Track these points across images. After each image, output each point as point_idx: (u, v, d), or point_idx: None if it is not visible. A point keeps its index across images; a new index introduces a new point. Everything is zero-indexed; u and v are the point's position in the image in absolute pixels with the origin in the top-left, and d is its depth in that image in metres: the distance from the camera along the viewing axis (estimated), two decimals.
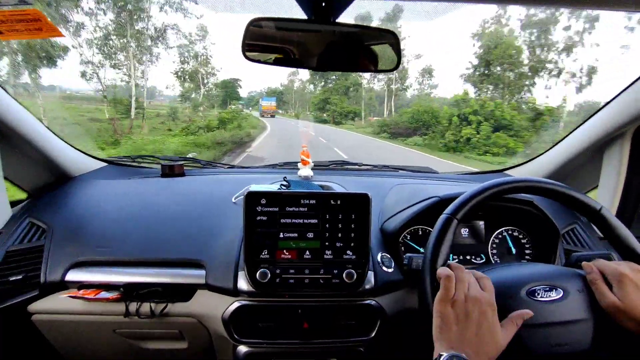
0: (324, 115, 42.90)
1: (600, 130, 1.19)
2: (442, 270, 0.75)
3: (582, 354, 0.72)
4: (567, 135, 1.35)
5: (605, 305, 0.71)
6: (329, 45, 0.81)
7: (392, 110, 33.33)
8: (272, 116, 44.03)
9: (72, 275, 1.01)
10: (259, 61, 0.81)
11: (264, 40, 0.81)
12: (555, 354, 0.71)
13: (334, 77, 44.52)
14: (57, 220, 1.12)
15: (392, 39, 0.83)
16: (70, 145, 1.38)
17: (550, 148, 1.44)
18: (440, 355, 0.63)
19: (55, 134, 1.29)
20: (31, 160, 1.22)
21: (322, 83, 46.12)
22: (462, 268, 0.75)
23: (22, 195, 1.30)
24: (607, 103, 1.16)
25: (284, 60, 0.83)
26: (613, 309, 0.69)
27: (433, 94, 33.41)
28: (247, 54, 0.81)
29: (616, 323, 0.70)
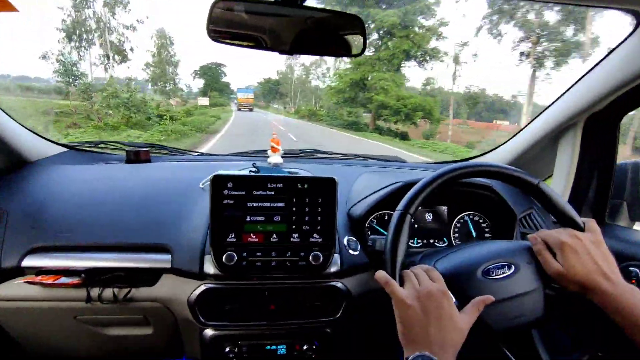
0: (347, 114, 23.78)
1: (555, 120, 1.25)
2: (378, 276, 0.78)
3: (537, 321, 0.78)
4: (525, 126, 1.41)
5: (550, 273, 0.77)
6: (295, 28, 0.82)
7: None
8: (250, 110, 39.85)
9: (30, 261, 0.97)
10: (224, 42, 0.81)
11: (229, 21, 0.80)
12: (513, 326, 0.76)
13: (375, 36, 22.86)
14: (13, 205, 1.07)
15: (357, 23, 0.84)
16: (28, 129, 1.32)
17: (510, 139, 1.50)
18: (407, 358, 0.66)
19: (10, 117, 1.23)
20: None
21: None
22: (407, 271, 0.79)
23: None
24: (563, 94, 1.23)
25: (250, 42, 0.83)
26: (557, 275, 0.75)
27: None
28: (212, 34, 0.80)
29: (562, 288, 0.76)
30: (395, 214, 0.83)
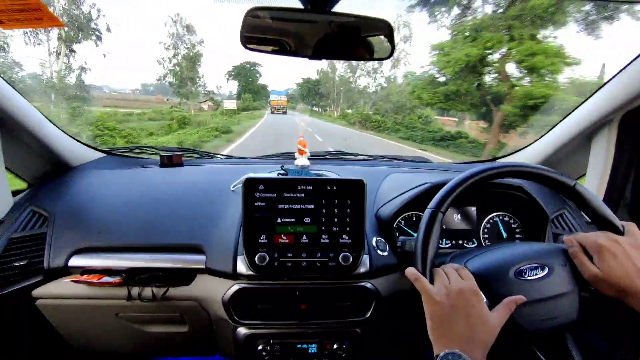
0: (417, 119, 16.03)
1: (589, 118, 1.22)
2: (408, 272, 0.79)
3: (571, 324, 0.76)
4: (557, 124, 1.38)
5: (587, 276, 0.75)
6: (324, 34, 0.84)
7: None
8: (284, 112, 38.22)
9: (75, 261, 1.03)
10: (258, 50, 0.83)
11: (262, 30, 0.83)
12: (546, 328, 0.76)
13: None
14: (59, 208, 1.14)
15: (386, 27, 0.85)
16: (70, 136, 1.40)
17: (541, 137, 1.47)
18: (437, 356, 0.66)
19: (54, 124, 1.30)
20: (31, 150, 1.24)
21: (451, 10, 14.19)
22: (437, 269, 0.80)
23: (22, 185, 1.32)
24: (596, 91, 1.19)
25: (282, 50, 0.85)
26: (594, 279, 0.74)
27: None
28: (246, 42, 0.83)
29: (598, 292, 0.74)
30: (427, 212, 0.84)
